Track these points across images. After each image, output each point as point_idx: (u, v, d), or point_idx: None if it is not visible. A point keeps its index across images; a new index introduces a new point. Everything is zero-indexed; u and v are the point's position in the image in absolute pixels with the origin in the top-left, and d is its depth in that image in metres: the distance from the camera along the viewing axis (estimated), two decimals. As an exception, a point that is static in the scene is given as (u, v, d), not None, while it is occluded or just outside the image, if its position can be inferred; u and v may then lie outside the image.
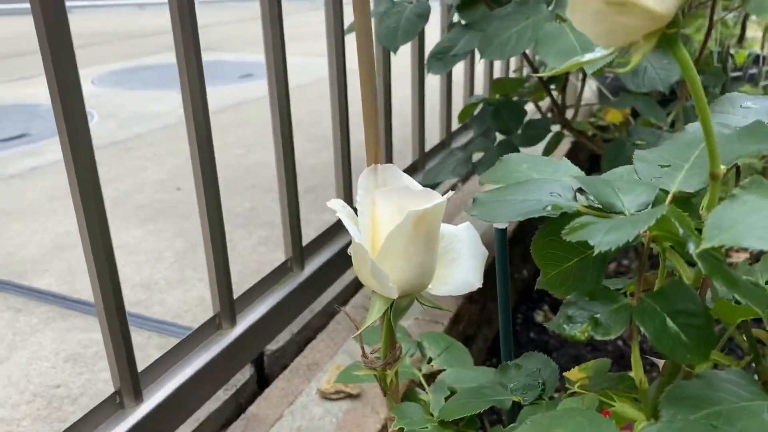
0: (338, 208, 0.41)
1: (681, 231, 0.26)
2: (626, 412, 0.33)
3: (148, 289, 1.14)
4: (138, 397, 0.63)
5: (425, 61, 0.92)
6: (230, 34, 4.58)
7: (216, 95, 2.62)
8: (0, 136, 2.12)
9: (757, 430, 0.28)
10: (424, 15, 0.79)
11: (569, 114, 1.13)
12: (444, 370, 0.56)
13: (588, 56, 0.27)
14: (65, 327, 1.04)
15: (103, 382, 0.90)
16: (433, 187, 1.07)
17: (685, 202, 0.32)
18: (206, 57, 0.83)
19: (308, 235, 1.28)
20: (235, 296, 0.75)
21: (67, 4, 0.60)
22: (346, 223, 0.40)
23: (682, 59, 0.27)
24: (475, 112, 1.04)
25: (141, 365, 0.74)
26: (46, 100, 2.65)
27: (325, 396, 0.83)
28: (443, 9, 1.19)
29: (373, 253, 0.41)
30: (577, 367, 0.43)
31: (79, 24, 5.18)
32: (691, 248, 0.26)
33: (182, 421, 0.70)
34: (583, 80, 1.05)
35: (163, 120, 2.27)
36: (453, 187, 1.48)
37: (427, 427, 0.42)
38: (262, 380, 0.95)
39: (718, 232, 0.25)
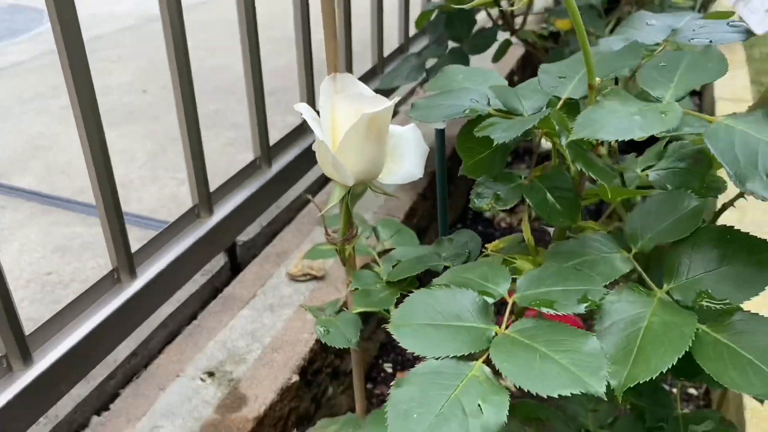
0: (303, 110, 0.50)
1: (557, 128, 0.36)
2: (523, 266, 0.44)
3: (124, 187, 1.22)
4: (132, 274, 0.73)
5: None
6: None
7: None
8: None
9: (609, 271, 0.40)
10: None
11: (519, 22, 1.20)
12: (393, 249, 0.67)
13: None
14: (49, 222, 1.12)
15: (90, 270, 1.00)
16: (390, 91, 1.15)
17: (574, 105, 0.42)
18: None
19: (273, 137, 1.36)
20: (211, 189, 0.85)
21: None
22: (311, 123, 0.49)
23: (564, -3, 0.36)
24: (431, 19, 1.11)
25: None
26: (-2, -2, 2.54)
27: (294, 278, 0.95)
28: None
29: (334, 148, 0.50)
30: (496, 240, 0.54)
31: None
32: (563, 140, 0.36)
33: (169, 295, 0.80)
34: (532, -10, 1.11)
35: (122, 21, 2.25)
36: (412, 91, 1.56)
37: (376, 286, 0.53)
38: (235, 268, 1.06)
39: (582, 128, 0.35)
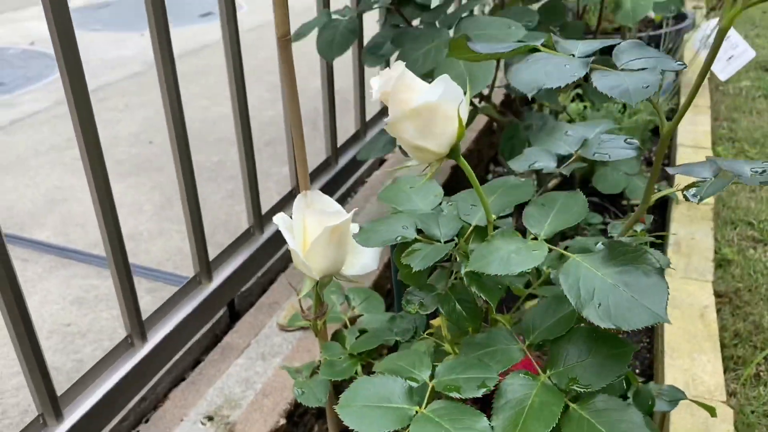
0: (279, 221, 0.63)
1: (458, 258, 0.49)
2: (448, 349, 0.56)
3: (133, 239, 1.35)
4: (144, 339, 0.86)
5: (362, 54, 1.12)
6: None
7: (177, 38, 2.72)
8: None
9: (507, 360, 0.52)
10: (355, 30, 0.98)
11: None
12: (362, 315, 0.80)
13: (410, 163, 0.49)
14: (67, 274, 1.25)
15: (105, 320, 1.13)
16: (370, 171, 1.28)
17: (482, 231, 0.55)
18: None
19: (269, 188, 1.50)
20: (210, 258, 0.98)
21: None
22: (284, 233, 0.62)
23: (463, 165, 0.49)
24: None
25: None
26: (12, 43, 2.74)
27: (283, 328, 1.07)
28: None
29: (304, 252, 0.63)
30: (438, 317, 0.67)
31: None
32: (462, 269, 0.49)
33: (176, 353, 0.93)
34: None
35: (129, 67, 2.39)
36: (381, 161, 1.68)
37: (341, 357, 0.66)
38: (234, 314, 1.18)
39: (475, 262, 0.48)
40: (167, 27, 0.89)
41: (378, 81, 0.46)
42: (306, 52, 1.13)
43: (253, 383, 0.97)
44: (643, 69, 0.53)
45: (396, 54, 1.05)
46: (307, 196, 0.64)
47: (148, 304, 1.15)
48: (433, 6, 1.08)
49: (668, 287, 0.46)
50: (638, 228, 0.65)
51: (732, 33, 1.90)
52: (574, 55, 0.55)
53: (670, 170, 0.60)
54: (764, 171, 0.57)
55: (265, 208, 1.14)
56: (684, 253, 1.30)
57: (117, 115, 1.96)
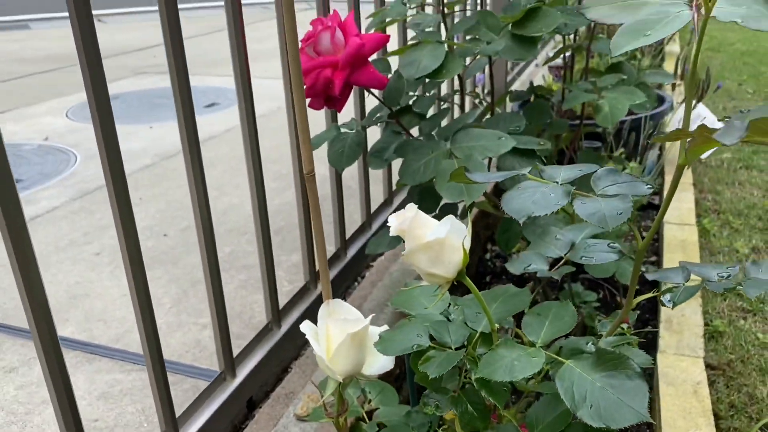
0: (306, 330, 0.71)
1: (467, 366, 0.57)
2: (461, 445, 0.64)
3: (153, 333, 1.42)
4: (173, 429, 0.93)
5: (367, 157, 1.22)
6: (191, 53, 4.75)
7: (186, 128, 2.86)
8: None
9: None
10: (361, 143, 1.08)
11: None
12: (378, 408, 0.87)
13: (423, 283, 0.58)
14: (92, 369, 1.31)
15: (130, 415, 1.19)
16: (376, 256, 1.37)
17: (487, 336, 0.63)
18: (167, 83, 1.06)
19: (280, 277, 1.57)
20: (234, 354, 1.05)
21: (27, 17, 0.85)
22: (311, 341, 0.70)
23: (469, 285, 0.57)
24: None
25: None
26: (27, 139, 2.88)
27: (300, 418, 1.13)
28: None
29: (328, 355, 0.71)
30: (451, 411, 0.74)
31: (42, 44, 5.28)
32: (473, 375, 0.56)
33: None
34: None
35: (141, 160, 2.51)
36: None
37: (363, 452, 0.73)
38: (251, 404, 1.24)
39: (483, 369, 0.56)
40: (194, 118, 0.99)
41: (395, 220, 0.55)
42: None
43: (275, 473, 1.03)
44: (616, 195, 0.62)
45: (396, 156, 1.15)
46: (329, 305, 0.73)
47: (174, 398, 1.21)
48: (429, 115, 1.19)
49: (648, 388, 0.54)
50: (625, 325, 0.73)
51: (707, 114, 2.03)
52: (557, 182, 0.65)
53: (648, 276, 0.69)
54: (728, 275, 0.66)
55: (279, 298, 1.22)
56: (675, 330, 1.38)
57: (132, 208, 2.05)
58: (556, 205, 0.61)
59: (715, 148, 2.04)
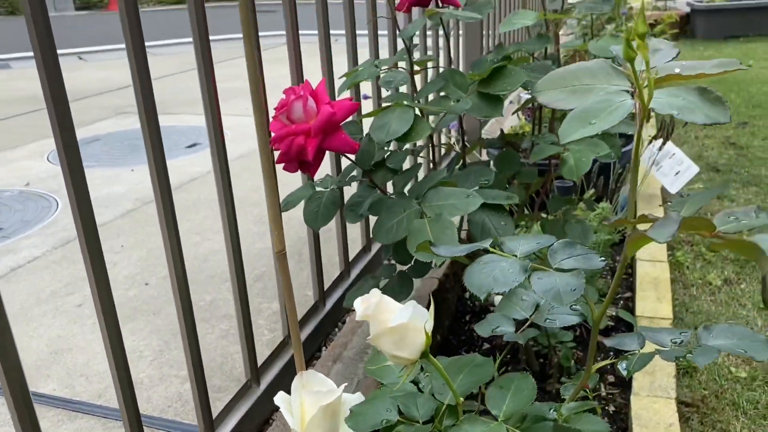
0: (280, 403, 0.73)
1: (434, 442, 0.59)
2: None
3: (135, 387, 1.43)
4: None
5: (344, 210, 1.25)
6: (172, 91, 4.78)
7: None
8: (-26, 231, 2.34)
9: None
10: (336, 202, 1.12)
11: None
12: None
13: (389, 363, 0.61)
14: (74, 428, 1.32)
15: (112, 474, 1.19)
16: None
17: (453, 409, 0.66)
18: None
19: (260, 326, 1.59)
20: (213, 416, 1.07)
21: (7, 56, 0.86)
22: (285, 413, 0.72)
23: (433, 362, 0.60)
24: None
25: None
26: (9, 185, 2.87)
27: (282, 473, 1.15)
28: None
29: (302, 426, 0.73)
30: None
31: (23, 84, 5.29)
32: (438, 450, 0.59)
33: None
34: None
35: (123, 205, 2.53)
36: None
37: None
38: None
39: (448, 444, 0.59)
40: (165, 164, 1.01)
41: (360, 305, 0.58)
42: (288, 182, 1.25)
43: None
44: (571, 270, 0.66)
45: (370, 213, 1.19)
46: (303, 376, 0.75)
47: (153, 455, 1.22)
48: (402, 170, 1.23)
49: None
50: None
51: (676, 150, 2.09)
52: (517, 255, 0.68)
53: (607, 342, 0.72)
54: (681, 341, 0.69)
55: (259, 349, 1.24)
56: (648, 371, 1.41)
57: (114, 257, 2.07)
58: (514, 281, 0.64)
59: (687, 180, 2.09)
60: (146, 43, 0.96)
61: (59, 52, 0.84)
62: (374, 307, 0.57)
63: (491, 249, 0.69)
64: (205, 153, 3.17)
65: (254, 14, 1.10)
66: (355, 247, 1.67)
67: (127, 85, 5.12)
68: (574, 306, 0.80)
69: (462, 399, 0.63)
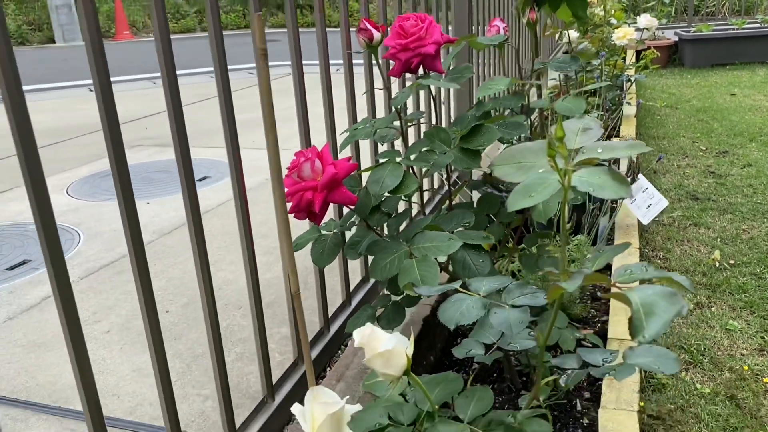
0: (297, 412, 0.92)
1: (415, 439, 0.78)
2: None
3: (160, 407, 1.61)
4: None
5: (344, 249, 1.44)
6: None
7: (180, 205, 3.07)
8: (4, 264, 2.54)
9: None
10: (339, 244, 1.31)
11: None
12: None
13: (379, 379, 0.79)
14: (110, 441, 1.50)
15: (146, 480, 1.37)
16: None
17: (432, 414, 0.84)
18: (162, 156, 1.30)
19: (272, 349, 1.77)
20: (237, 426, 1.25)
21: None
22: (300, 420, 0.91)
23: (412, 379, 0.79)
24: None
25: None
26: (30, 219, 3.03)
27: (294, 477, 1.33)
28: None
29: (314, 430, 0.92)
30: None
31: (37, 117, 5.52)
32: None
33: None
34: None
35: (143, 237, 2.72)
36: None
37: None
38: (250, 467, 1.43)
39: (425, 441, 0.77)
40: (196, 193, 1.20)
41: (357, 336, 0.77)
42: (296, 224, 1.45)
43: None
44: (522, 305, 0.85)
45: (367, 253, 1.38)
46: (314, 391, 0.94)
47: (181, 464, 1.40)
48: (395, 214, 1.42)
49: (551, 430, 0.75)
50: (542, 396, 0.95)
51: (649, 185, 2.29)
52: (480, 294, 0.88)
53: (554, 361, 0.91)
54: (610, 360, 0.88)
55: (272, 372, 1.43)
56: (615, 387, 1.59)
57: (134, 287, 2.25)
58: (476, 315, 0.83)
59: (664, 207, 2.27)
60: (146, 75, 1.15)
61: (70, 83, 1.01)
62: (368, 337, 0.76)
63: (460, 289, 0.89)
64: (216, 186, 3.37)
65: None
66: (355, 277, 1.86)
67: (138, 117, 5.36)
68: (532, 333, 0.99)
69: (437, 407, 0.81)
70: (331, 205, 1.52)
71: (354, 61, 1.68)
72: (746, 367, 1.89)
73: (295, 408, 0.93)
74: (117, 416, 1.58)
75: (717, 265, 2.49)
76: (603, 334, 1.96)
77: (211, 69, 1.22)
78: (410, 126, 1.51)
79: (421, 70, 1.44)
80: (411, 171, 1.31)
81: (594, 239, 2.25)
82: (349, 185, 1.30)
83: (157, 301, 2.24)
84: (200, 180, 3.49)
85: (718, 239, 2.69)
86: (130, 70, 7.37)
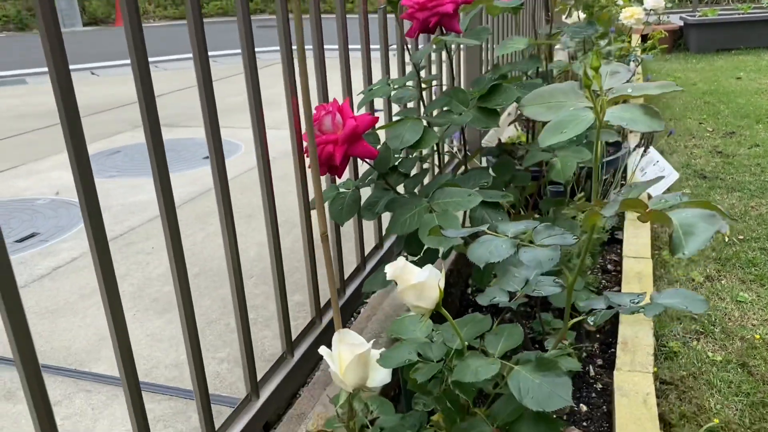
0: (324, 353, 0.92)
1: (447, 374, 0.78)
2: (443, 435, 0.84)
3: (177, 368, 1.62)
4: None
5: (361, 210, 1.44)
6: (184, 106, 5.00)
7: (186, 181, 3.07)
8: (13, 237, 2.54)
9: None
10: (357, 200, 1.31)
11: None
12: (379, 417, 1.08)
13: (411, 313, 0.80)
14: (127, 401, 1.50)
15: (165, 438, 1.38)
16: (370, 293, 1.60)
17: (459, 351, 0.85)
18: (167, 136, 1.28)
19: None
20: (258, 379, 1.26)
21: (24, 71, 0.89)
22: (328, 360, 0.91)
23: (444, 314, 0.79)
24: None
25: (185, 426, 1.23)
26: (40, 193, 3.07)
27: (312, 434, 1.33)
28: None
29: (341, 372, 0.92)
30: (436, 414, 0.95)
31: (41, 99, 5.51)
32: (450, 379, 0.78)
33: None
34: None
35: (149, 212, 2.72)
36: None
37: (369, 448, 0.94)
38: (267, 427, 1.44)
39: (456, 374, 0.78)
40: (223, 159, 1.18)
41: (390, 269, 0.77)
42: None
43: (292, 479, 1.22)
44: (550, 245, 0.85)
45: (386, 210, 1.38)
46: (341, 333, 0.94)
47: (197, 421, 1.41)
48: (413, 173, 1.42)
49: (572, 384, 0.75)
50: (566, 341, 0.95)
51: (660, 158, 2.28)
52: (508, 236, 0.88)
53: (582, 303, 0.91)
54: (638, 301, 0.89)
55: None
56: (630, 350, 1.60)
57: (146, 257, 2.26)
58: (506, 253, 0.83)
59: (671, 183, 2.27)
60: (162, 58, 1.13)
61: (73, 67, 0.97)
62: (401, 270, 0.76)
63: (488, 231, 0.89)
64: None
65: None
66: (368, 246, 1.86)
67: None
68: (556, 279, 0.99)
69: (467, 343, 0.81)
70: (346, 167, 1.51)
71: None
72: (758, 336, 1.89)
73: (323, 350, 0.93)
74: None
75: (726, 240, 2.49)
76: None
77: (217, 53, 1.20)
78: (425, 89, 1.51)
79: (437, 31, 1.43)
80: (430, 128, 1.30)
81: (605, 211, 2.24)
82: (369, 142, 1.30)
83: (169, 270, 2.24)
84: (206, 158, 3.48)
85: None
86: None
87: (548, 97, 0.86)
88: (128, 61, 0.94)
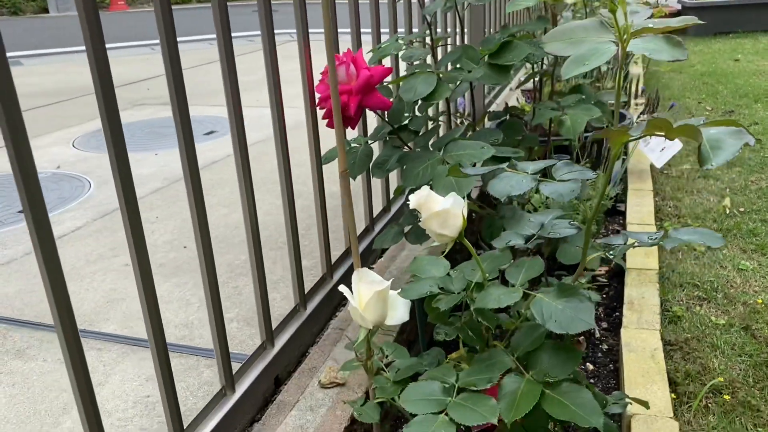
0: (345, 291, 0.93)
1: (468, 303, 0.79)
2: (464, 366, 0.85)
3: (187, 327, 1.63)
4: (233, 389, 1.14)
5: (371, 167, 1.45)
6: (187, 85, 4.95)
7: (189, 155, 3.07)
8: (17, 207, 2.54)
9: (503, 366, 0.82)
10: (369, 155, 1.32)
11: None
12: (394, 361, 1.09)
13: (434, 243, 0.80)
14: (138, 358, 1.51)
15: (180, 391, 1.39)
16: (382, 251, 1.60)
17: (480, 285, 0.86)
18: (167, 113, 1.28)
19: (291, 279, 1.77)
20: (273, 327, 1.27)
21: (19, 53, 0.91)
22: (348, 297, 0.92)
23: (466, 244, 0.80)
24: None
25: (197, 381, 1.23)
26: (41, 168, 3.05)
27: (323, 386, 1.35)
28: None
29: (361, 308, 0.93)
30: (453, 353, 0.96)
31: (36, 80, 5.48)
32: (471, 307, 0.79)
33: (255, 407, 1.20)
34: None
35: (152, 184, 2.72)
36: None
37: (387, 385, 0.95)
38: (277, 381, 1.45)
39: (479, 301, 0.78)
40: (193, 146, 1.17)
41: (414, 197, 0.78)
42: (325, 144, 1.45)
43: (306, 429, 1.24)
44: (570, 180, 0.86)
45: (396, 168, 1.39)
46: (360, 272, 0.95)
47: (210, 377, 1.41)
48: (422, 132, 1.43)
49: (594, 307, 0.77)
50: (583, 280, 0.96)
51: (663, 129, 2.29)
52: (527, 173, 0.88)
53: (600, 240, 0.92)
54: (656, 237, 0.90)
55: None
56: (636, 309, 1.61)
57: (150, 226, 2.26)
58: (527, 186, 0.84)
59: (673, 155, 2.29)
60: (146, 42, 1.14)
61: (70, 50, 0.97)
62: (424, 198, 0.77)
63: (507, 168, 0.89)
64: (222, 139, 3.37)
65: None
66: (376, 209, 1.87)
67: (137, 80, 5.33)
68: (572, 222, 1.00)
69: (487, 275, 0.82)
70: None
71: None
72: (760, 301, 1.91)
73: (343, 288, 0.94)
74: (144, 338, 1.59)
75: (727, 212, 2.50)
76: (620, 272, 1.98)
77: (212, 36, 1.19)
78: (437, 46, 1.51)
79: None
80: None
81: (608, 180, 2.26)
82: (383, 95, 1.30)
83: (174, 238, 2.26)
84: (207, 134, 3.48)
85: (728, 189, 2.71)
86: (129, 38, 7.33)
87: (570, 33, 0.86)
88: (122, 44, 0.94)
